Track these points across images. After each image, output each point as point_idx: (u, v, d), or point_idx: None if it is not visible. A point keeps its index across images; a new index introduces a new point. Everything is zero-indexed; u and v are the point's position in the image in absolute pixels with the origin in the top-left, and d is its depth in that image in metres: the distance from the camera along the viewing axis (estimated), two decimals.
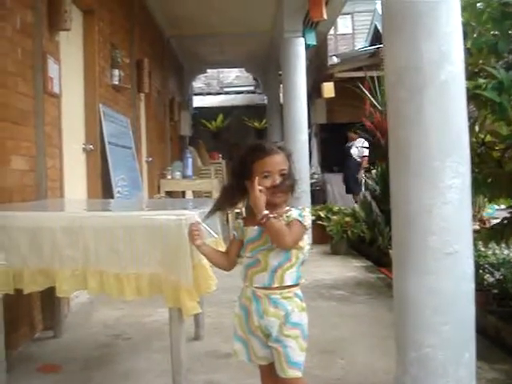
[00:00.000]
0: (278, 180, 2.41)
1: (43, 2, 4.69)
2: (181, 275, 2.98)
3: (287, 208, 2.47)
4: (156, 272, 3.05)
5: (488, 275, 4.74)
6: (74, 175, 5.60)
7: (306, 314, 2.49)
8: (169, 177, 10.31)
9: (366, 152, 10.92)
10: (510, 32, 3.74)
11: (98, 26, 6.28)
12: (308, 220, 2.45)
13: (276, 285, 2.43)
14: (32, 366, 3.76)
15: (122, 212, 3.79)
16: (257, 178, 2.38)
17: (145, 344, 4.18)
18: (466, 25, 3.81)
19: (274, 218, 2.36)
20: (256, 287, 2.45)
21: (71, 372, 3.67)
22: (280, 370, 2.43)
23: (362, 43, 16.51)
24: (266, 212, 2.33)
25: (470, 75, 3.78)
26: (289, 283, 2.44)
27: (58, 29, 4.89)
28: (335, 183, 13.57)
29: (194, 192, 11.30)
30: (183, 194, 11.23)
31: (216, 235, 3.52)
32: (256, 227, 2.43)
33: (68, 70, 5.44)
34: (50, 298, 4.27)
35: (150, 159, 9.35)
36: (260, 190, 2.35)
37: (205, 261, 3.01)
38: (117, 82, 6.93)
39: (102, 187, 6.21)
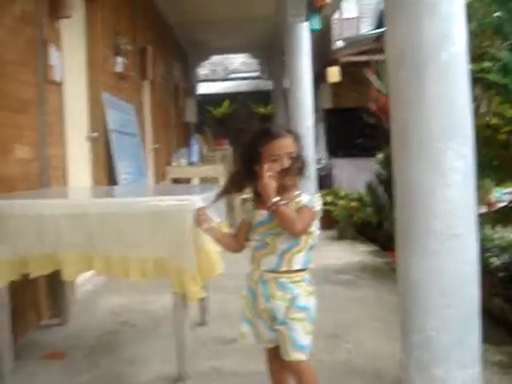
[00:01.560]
0: (287, 163, 2.41)
1: None
2: (184, 260, 2.98)
3: (297, 192, 2.48)
4: (160, 257, 3.05)
5: (494, 258, 4.72)
6: (79, 163, 5.59)
7: (314, 298, 2.50)
8: (174, 164, 10.30)
9: None
10: None
11: (101, 13, 6.25)
12: (318, 206, 2.47)
13: (284, 268, 2.44)
14: (38, 353, 3.79)
15: (125, 198, 3.79)
16: (266, 164, 2.38)
17: (150, 330, 4.19)
18: (469, 6, 3.77)
19: (284, 204, 2.36)
20: (264, 270, 2.47)
21: (77, 359, 3.69)
22: (285, 353, 2.45)
23: (367, 27, 16.38)
24: (277, 199, 2.34)
25: (475, 57, 3.74)
26: (297, 267, 2.46)
27: (59, 16, 4.87)
28: (342, 168, 13.51)
29: (200, 178, 11.29)
30: (189, 180, 11.22)
31: (220, 220, 3.51)
32: (266, 211, 2.44)
33: (71, 57, 5.42)
34: (56, 286, 4.29)
35: (156, 146, 9.33)
36: (269, 176, 2.35)
37: (209, 246, 3.02)
38: (120, 70, 6.90)
39: (107, 175, 6.21)
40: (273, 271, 2.45)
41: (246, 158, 2.53)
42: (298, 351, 2.42)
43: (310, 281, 2.52)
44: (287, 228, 2.38)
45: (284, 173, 2.41)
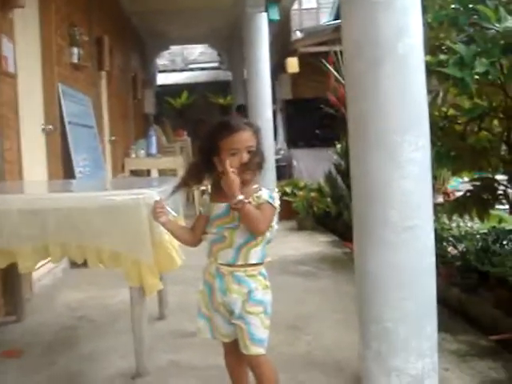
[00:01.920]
0: (246, 157, 2.39)
1: None
2: (141, 253, 2.97)
3: (255, 187, 2.46)
4: (117, 250, 3.03)
5: (451, 248, 4.78)
6: (34, 157, 5.48)
7: (270, 292, 2.49)
8: (133, 155, 10.20)
9: None
10: (470, 5, 3.72)
11: (55, 3, 6.10)
12: (277, 201, 2.46)
13: (240, 262, 2.43)
14: None
15: (80, 193, 3.73)
16: (227, 160, 2.35)
17: (109, 325, 4.14)
18: None
19: (249, 203, 2.34)
20: (220, 264, 2.45)
21: (34, 356, 3.62)
22: (243, 346, 2.44)
23: (326, 18, 16.41)
24: (241, 197, 2.31)
25: (432, 49, 3.77)
26: (254, 261, 2.44)
27: (12, 6, 4.73)
28: (302, 159, 13.55)
29: (159, 170, 11.20)
30: (148, 172, 11.13)
31: (176, 214, 3.48)
32: (223, 204, 2.42)
33: (24, 48, 5.30)
34: (11, 282, 4.21)
35: (113, 138, 9.21)
36: (233, 172, 2.33)
37: (166, 238, 3.00)
38: (76, 61, 6.78)
39: (63, 168, 6.10)
40: (229, 265, 2.43)
41: (205, 150, 2.49)
42: (256, 345, 2.42)
43: (265, 275, 2.51)
44: (251, 228, 2.36)
45: (244, 167, 2.38)
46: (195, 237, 2.60)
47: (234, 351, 2.54)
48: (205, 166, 2.50)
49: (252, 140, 2.43)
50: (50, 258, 3.28)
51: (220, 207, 2.45)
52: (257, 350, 2.42)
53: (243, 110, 12.80)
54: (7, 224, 3.11)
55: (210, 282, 2.49)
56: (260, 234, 2.40)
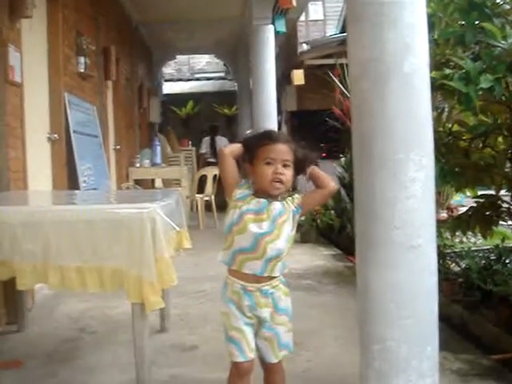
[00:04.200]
0: (280, 169, 2.40)
1: None
2: (143, 269, 2.94)
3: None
4: (118, 267, 3.01)
5: (454, 264, 4.77)
6: (39, 166, 5.49)
7: (289, 298, 2.57)
8: (137, 165, 10.21)
9: None
10: (476, 23, 3.73)
11: (63, 13, 6.15)
12: None
13: (267, 274, 2.44)
14: None
15: (83, 205, 3.72)
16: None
17: (110, 337, 4.13)
18: (432, 15, 3.80)
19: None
20: (245, 273, 2.43)
21: (34, 368, 3.60)
22: (274, 356, 2.53)
23: (333, 30, 16.45)
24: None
25: (437, 66, 3.77)
26: (277, 274, 2.49)
27: (20, 16, 4.77)
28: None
29: (163, 180, 11.21)
30: (152, 182, 11.14)
31: (178, 228, 3.48)
32: (264, 200, 2.42)
33: (31, 58, 5.33)
34: (13, 292, 4.19)
35: (118, 147, 9.25)
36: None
37: (167, 254, 3.00)
38: (82, 70, 6.82)
39: (68, 177, 6.12)
40: (255, 276, 2.43)
41: (244, 151, 2.51)
42: (282, 350, 2.54)
43: (284, 281, 2.56)
44: (328, 185, 2.56)
45: (278, 179, 2.41)
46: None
47: (252, 370, 2.52)
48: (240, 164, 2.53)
49: (289, 155, 2.44)
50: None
51: (259, 202, 2.43)
52: (283, 353, 2.56)
53: (214, 130, 13.26)
54: (8, 236, 3.11)
55: (235, 300, 2.47)
56: (333, 192, 2.61)
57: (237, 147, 2.52)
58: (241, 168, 2.54)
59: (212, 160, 12.43)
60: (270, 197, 2.43)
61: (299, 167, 2.49)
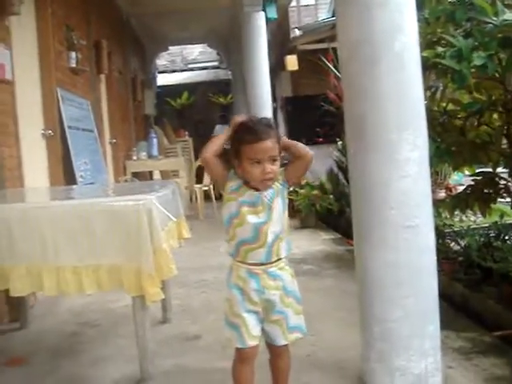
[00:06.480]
0: (269, 168, 2.32)
1: None
2: (141, 261, 2.94)
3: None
4: (115, 263, 3.00)
5: (454, 243, 4.77)
6: (35, 163, 5.48)
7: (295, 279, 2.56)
8: (134, 158, 10.19)
9: None
10: (466, 0, 3.70)
11: (51, 9, 6.10)
12: None
13: (274, 259, 2.43)
14: None
15: (78, 200, 3.71)
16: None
17: (112, 330, 4.14)
18: None
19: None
20: (251, 264, 2.43)
21: (39, 363, 3.61)
22: (283, 338, 2.52)
23: (325, 14, 16.36)
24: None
25: (429, 44, 3.75)
26: (284, 255, 2.48)
27: (7, 13, 4.73)
28: None
29: (161, 172, 11.19)
30: (150, 174, 11.13)
31: (175, 218, 3.47)
32: (256, 193, 2.39)
33: (22, 55, 5.30)
34: None
35: (114, 141, 9.21)
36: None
37: (165, 245, 2.99)
38: (74, 65, 6.78)
39: (65, 173, 6.09)
40: (262, 263, 2.42)
41: (229, 147, 2.43)
42: (294, 332, 2.52)
43: (288, 263, 2.54)
44: (305, 153, 2.43)
45: (267, 178, 2.35)
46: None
47: (255, 357, 2.52)
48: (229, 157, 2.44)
49: (275, 148, 2.35)
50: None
51: (252, 195, 2.40)
52: (294, 335, 2.54)
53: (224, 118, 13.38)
54: (4, 235, 3.10)
55: (241, 285, 2.45)
56: (312, 158, 2.44)
57: (217, 145, 2.42)
58: (225, 156, 2.46)
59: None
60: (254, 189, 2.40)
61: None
